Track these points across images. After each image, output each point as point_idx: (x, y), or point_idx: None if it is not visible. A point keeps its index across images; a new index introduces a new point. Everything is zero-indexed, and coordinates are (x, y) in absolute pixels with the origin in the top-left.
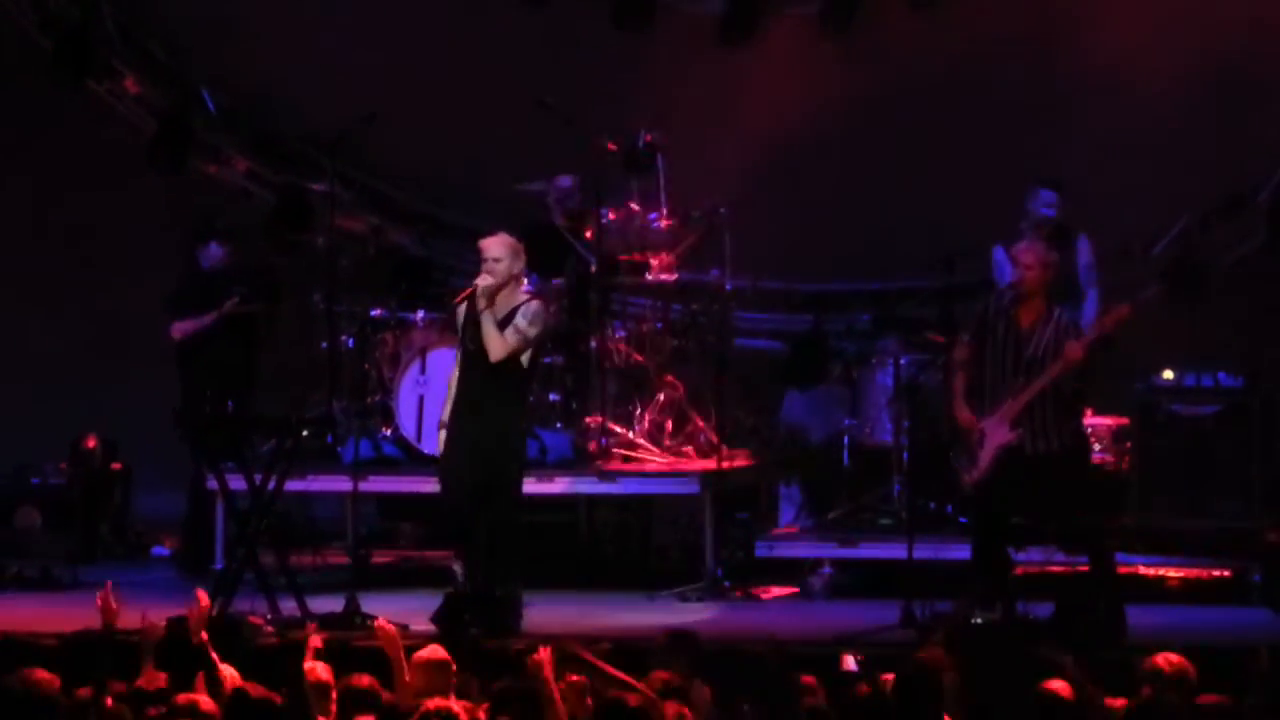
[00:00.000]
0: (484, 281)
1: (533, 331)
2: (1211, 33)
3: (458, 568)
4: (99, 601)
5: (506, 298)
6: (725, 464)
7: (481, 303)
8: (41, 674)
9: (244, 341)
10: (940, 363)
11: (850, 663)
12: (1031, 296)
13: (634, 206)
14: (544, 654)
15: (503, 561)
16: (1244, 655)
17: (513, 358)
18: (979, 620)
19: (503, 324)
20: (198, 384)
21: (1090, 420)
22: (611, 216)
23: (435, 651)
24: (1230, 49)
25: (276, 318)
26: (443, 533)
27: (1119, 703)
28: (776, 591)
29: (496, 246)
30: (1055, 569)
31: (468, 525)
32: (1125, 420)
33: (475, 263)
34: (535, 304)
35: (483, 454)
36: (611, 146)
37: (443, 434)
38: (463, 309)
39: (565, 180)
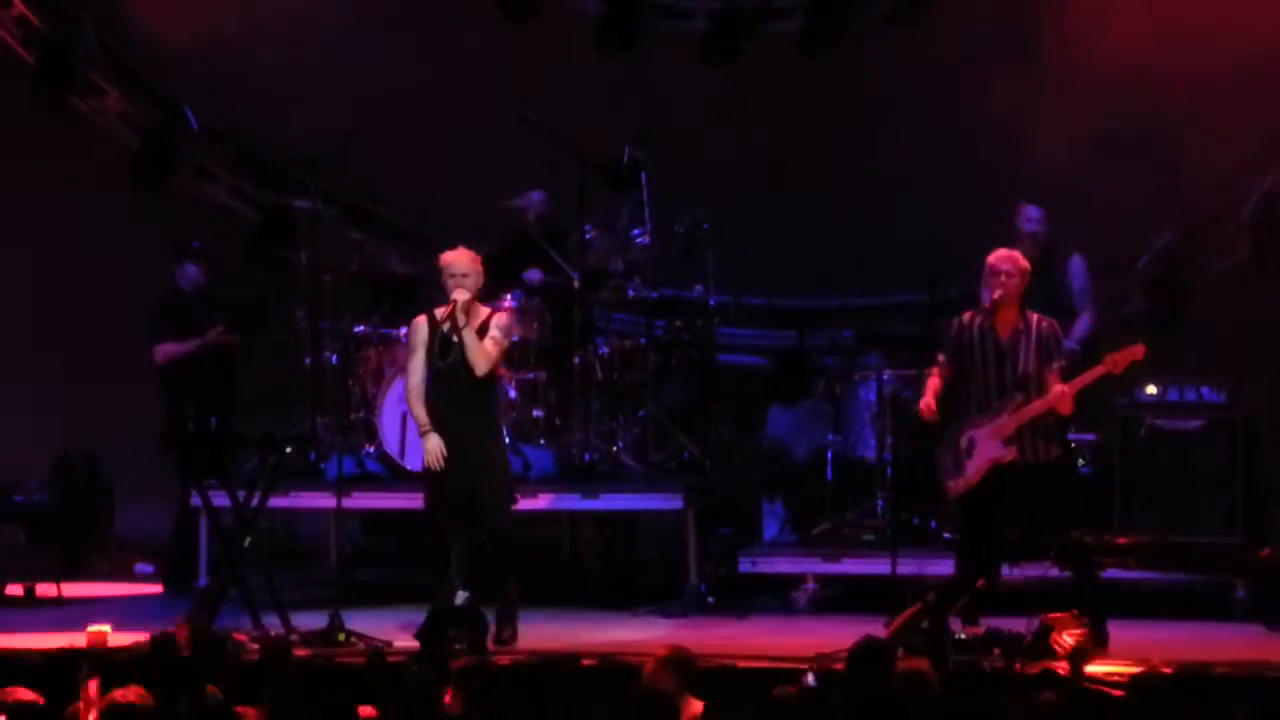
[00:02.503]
0: (462, 297)
1: (507, 342)
2: (1197, 47)
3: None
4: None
5: (474, 312)
6: None
7: (463, 319)
8: (24, 693)
9: (225, 362)
10: (923, 378)
11: (810, 679)
12: (1009, 306)
13: (617, 223)
14: None
15: (504, 573)
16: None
17: (489, 372)
18: (961, 635)
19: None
20: (181, 402)
21: (1072, 435)
22: (594, 232)
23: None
24: (1213, 64)
25: (258, 348)
26: (425, 547)
27: None
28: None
29: (463, 262)
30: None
31: (449, 540)
32: (1091, 436)
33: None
34: (504, 315)
35: (471, 470)
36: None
37: (433, 438)
38: (424, 326)
39: (537, 194)
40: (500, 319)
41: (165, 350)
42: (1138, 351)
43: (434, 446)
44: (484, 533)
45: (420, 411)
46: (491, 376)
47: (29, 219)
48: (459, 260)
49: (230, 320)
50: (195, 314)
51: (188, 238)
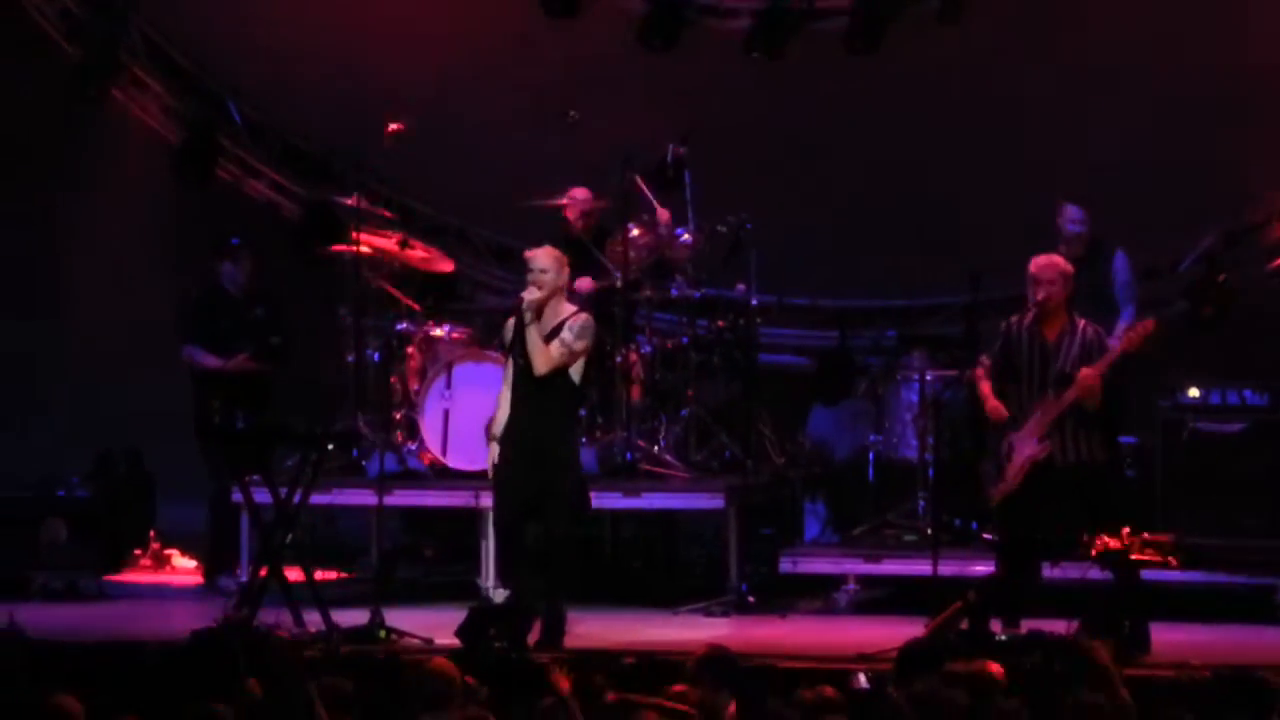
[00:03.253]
0: (530, 295)
1: (579, 345)
2: (1242, 45)
3: (486, 585)
4: None
5: (553, 310)
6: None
7: (528, 316)
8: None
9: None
10: (965, 378)
11: (862, 680)
12: (1055, 310)
13: (661, 221)
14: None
15: (555, 576)
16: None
17: (560, 371)
18: (1002, 637)
19: (549, 337)
20: (207, 397)
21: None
22: (637, 231)
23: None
24: (1260, 62)
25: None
26: (499, 546)
27: None
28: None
29: (543, 258)
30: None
31: (515, 539)
32: (1132, 439)
33: (500, 276)
34: (584, 317)
35: (535, 468)
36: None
37: (494, 447)
38: (512, 324)
39: (580, 192)
40: (577, 321)
41: (190, 353)
42: (1148, 326)
43: (490, 455)
44: (543, 535)
45: (498, 416)
46: (563, 378)
47: (71, 212)
48: (538, 256)
49: (256, 350)
50: (230, 315)
51: (227, 234)
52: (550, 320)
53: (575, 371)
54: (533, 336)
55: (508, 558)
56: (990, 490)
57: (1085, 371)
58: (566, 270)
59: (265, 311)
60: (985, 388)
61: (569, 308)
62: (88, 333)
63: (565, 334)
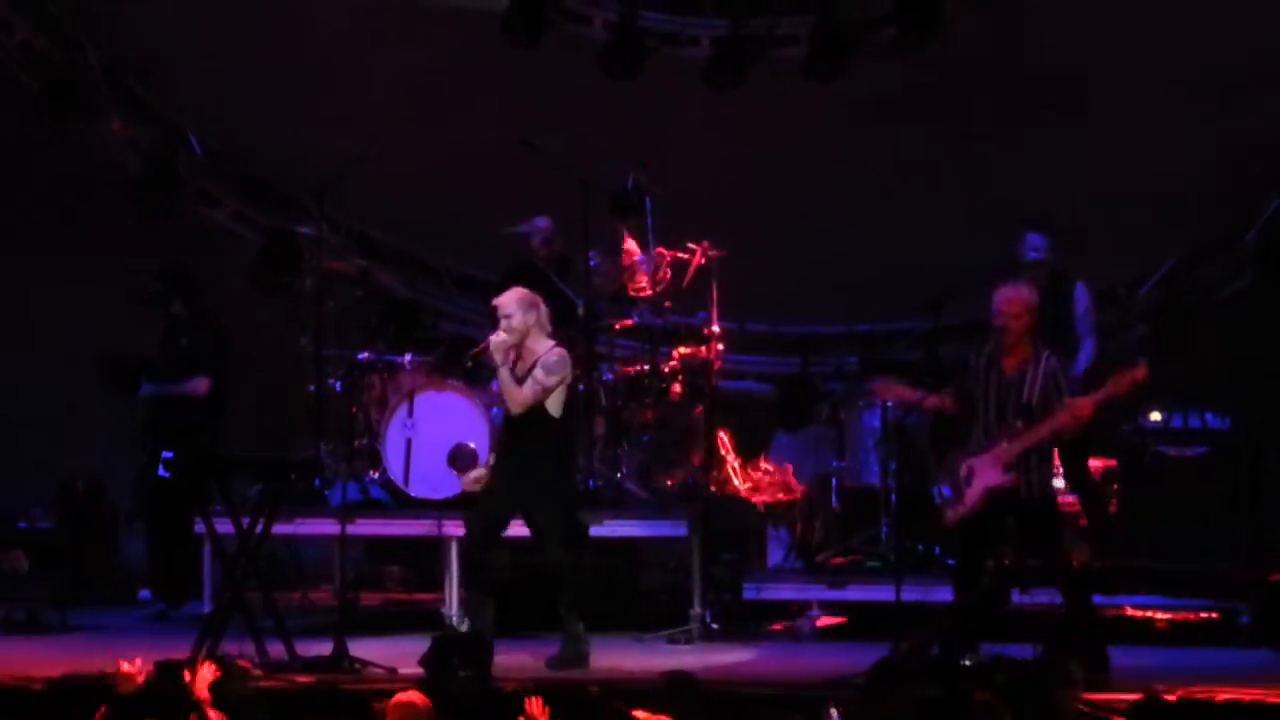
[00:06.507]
0: (496, 338)
1: (552, 380)
2: (1199, 72)
3: (449, 612)
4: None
5: (529, 349)
6: None
7: (496, 358)
8: None
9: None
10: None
11: (834, 715)
12: (1017, 342)
13: (626, 249)
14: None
15: (568, 601)
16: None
17: (537, 408)
18: (967, 662)
19: (523, 376)
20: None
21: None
22: (599, 259)
23: (412, 696)
24: (1216, 90)
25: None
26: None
27: None
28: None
29: (509, 303)
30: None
31: (480, 564)
32: (1113, 462)
33: (462, 305)
34: (557, 353)
35: (513, 497)
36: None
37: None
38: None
39: (542, 221)
40: (550, 359)
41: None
42: (1139, 373)
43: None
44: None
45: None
46: (537, 412)
47: (30, 245)
48: (504, 301)
49: (184, 361)
50: (162, 348)
51: (160, 272)
52: (527, 359)
53: (554, 405)
54: (504, 377)
55: (473, 580)
56: (947, 512)
57: (1082, 401)
58: (538, 310)
59: (189, 343)
60: (932, 399)
61: (545, 344)
62: (51, 363)
63: (538, 372)
